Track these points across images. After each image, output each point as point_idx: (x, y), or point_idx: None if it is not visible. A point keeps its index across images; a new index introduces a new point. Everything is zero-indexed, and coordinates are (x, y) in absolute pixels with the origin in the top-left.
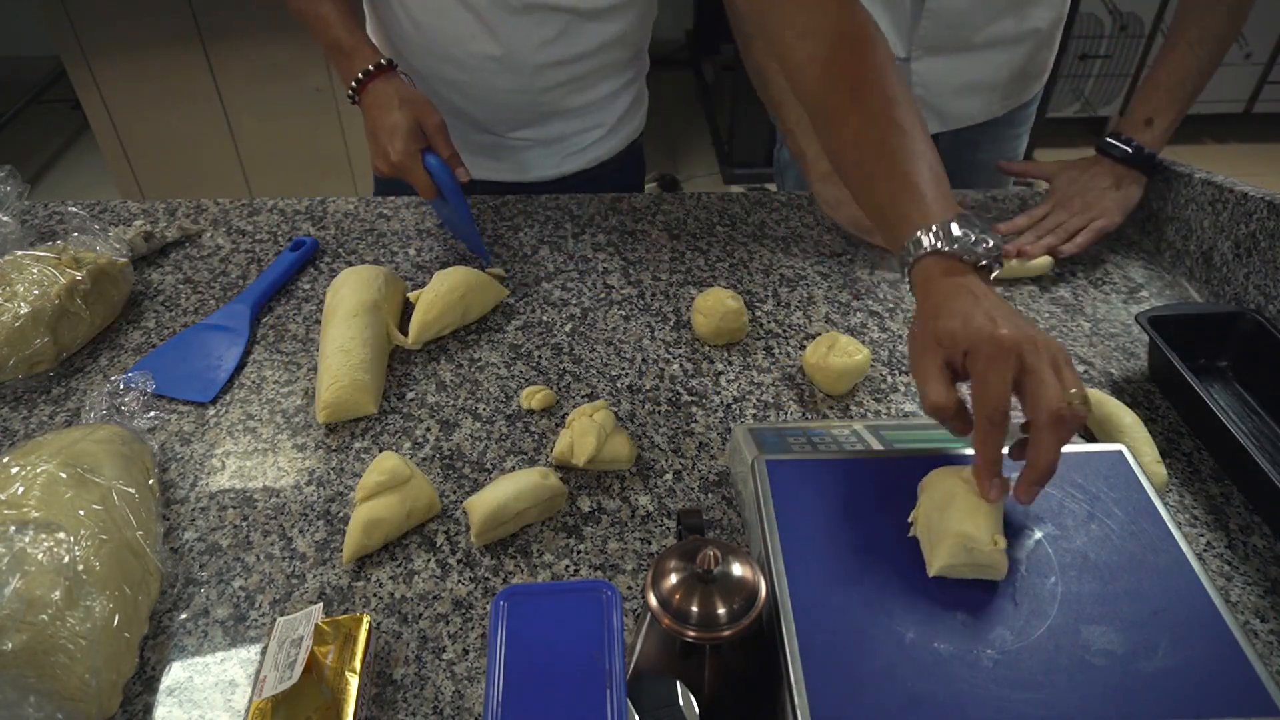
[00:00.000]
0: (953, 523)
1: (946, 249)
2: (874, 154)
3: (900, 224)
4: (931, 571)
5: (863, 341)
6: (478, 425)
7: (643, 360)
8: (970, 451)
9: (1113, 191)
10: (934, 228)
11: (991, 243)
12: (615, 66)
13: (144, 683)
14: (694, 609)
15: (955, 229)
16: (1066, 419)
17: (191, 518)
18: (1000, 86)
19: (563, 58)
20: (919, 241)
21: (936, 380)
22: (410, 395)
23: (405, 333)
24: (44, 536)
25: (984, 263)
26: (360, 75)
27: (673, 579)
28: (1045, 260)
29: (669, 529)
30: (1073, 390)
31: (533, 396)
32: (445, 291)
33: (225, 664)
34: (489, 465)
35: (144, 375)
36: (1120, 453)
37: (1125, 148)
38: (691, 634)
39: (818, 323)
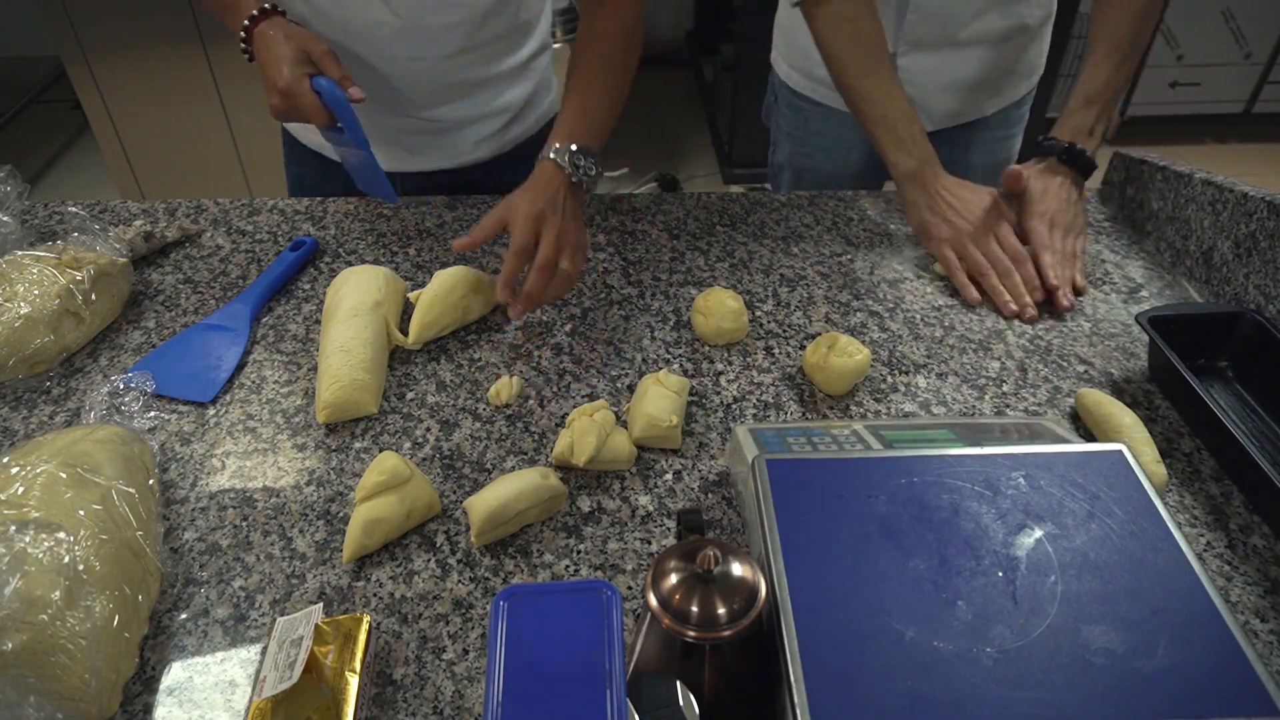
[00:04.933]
0: (645, 407)
1: None
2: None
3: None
4: (633, 437)
5: (863, 341)
6: (478, 425)
7: (643, 360)
8: (960, 452)
9: (1075, 204)
10: None
11: None
12: (515, 31)
13: (144, 683)
14: (694, 609)
15: None
16: None
17: (191, 518)
18: (987, 84)
19: (459, 20)
20: None
21: None
22: (410, 395)
23: (405, 333)
24: (44, 536)
25: None
26: (246, 22)
27: (673, 579)
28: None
29: (669, 529)
30: None
31: (499, 393)
32: (445, 292)
33: (225, 664)
34: (489, 465)
35: (144, 375)
36: (1120, 453)
37: (1089, 158)
38: (691, 634)
39: (818, 323)
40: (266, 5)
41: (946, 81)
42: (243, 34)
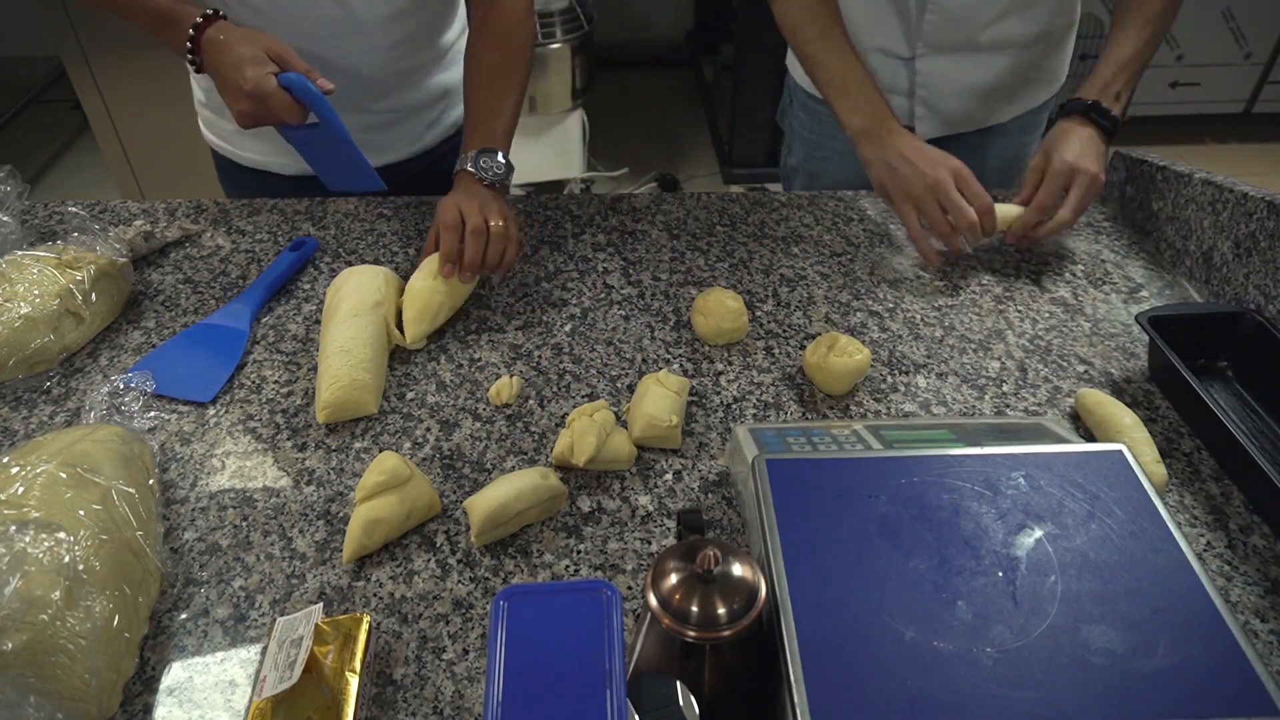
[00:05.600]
0: (645, 407)
1: None
2: None
3: None
4: (633, 437)
5: (863, 341)
6: (478, 425)
7: (643, 360)
8: (960, 452)
9: (1101, 156)
10: None
11: None
12: (445, 11)
13: (144, 683)
14: (694, 609)
15: None
16: None
17: (191, 518)
18: (1006, 91)
19: (402, 6)
20: None
21: None
22: (410, 395)
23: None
24: (44, 536)
25: None
26: (191, 31)
27: (673, 579)
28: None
29: (669, 529)
30: None
31: (499, 393)
32: (428, 288)
33: (225, 664)
34: (489, 465)
35: (144, 375)
36: (1120, 453)
37: (1114, 115)
38: (691, 634)
39: (818, 323)
40: (209, 11)
41: (964, 86)
42: (189, 44)
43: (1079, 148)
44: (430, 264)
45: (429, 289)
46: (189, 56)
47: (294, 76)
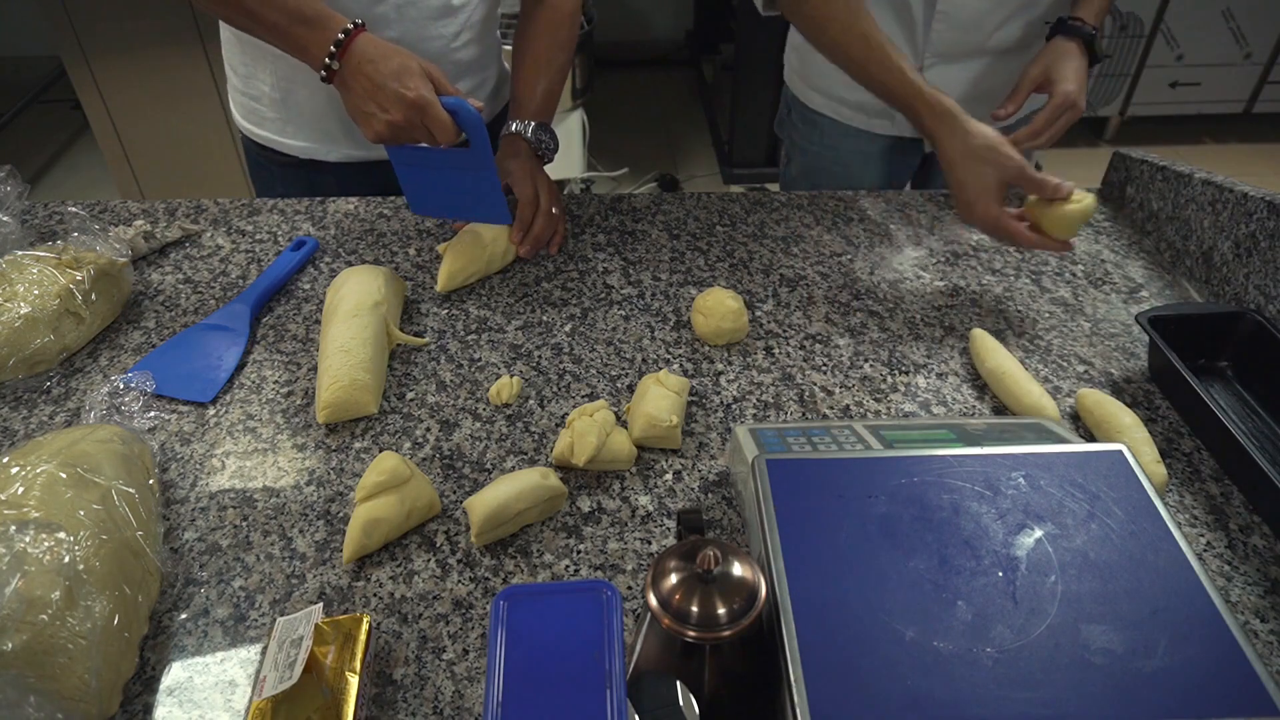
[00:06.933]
0: (645, 407)
1: None
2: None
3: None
4: (633, 437)
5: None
6: (478, 425)
7: (643, 360)
8: (960, 452)
9: (1085, 93)
10: None
11: None
12: (495, 5)
13: (144, 683)
14: (694, 609)
15: None
16: None
17: (191, 518)
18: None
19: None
20: None
21: None
22: (410, 395)
23: (407, 331)
24: (44, 536)
25: None
26: (340, 35)
27: (673, 579)
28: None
29: (669, 529)
30: None
31: (499, 393)
32: (469, 242)
33: (225, 664)
34: (489, 465)
35: (144, 375)
36: (1120, 453)
37: (1102, 50)
38: (691, 634)
39: (818, 322)
40: (358, 21)
41: (975, 92)
42: (334, 49)
43: (1079, 80)
44: (474, 228)
45: (474, 255)
46: (327, 61)
47: (455, 100)
